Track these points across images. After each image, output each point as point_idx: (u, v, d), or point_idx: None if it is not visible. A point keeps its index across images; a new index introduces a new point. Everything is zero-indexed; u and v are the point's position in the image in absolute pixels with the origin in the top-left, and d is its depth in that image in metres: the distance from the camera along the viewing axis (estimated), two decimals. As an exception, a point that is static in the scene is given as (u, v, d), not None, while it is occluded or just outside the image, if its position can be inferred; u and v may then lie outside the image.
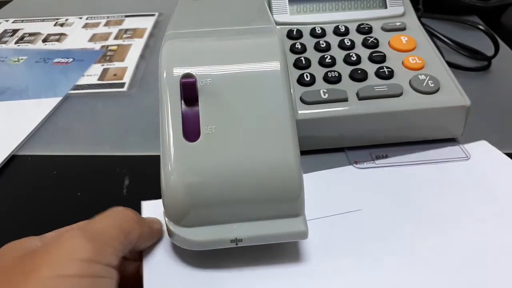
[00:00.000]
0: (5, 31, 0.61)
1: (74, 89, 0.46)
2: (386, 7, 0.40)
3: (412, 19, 0.40)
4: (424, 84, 0.33)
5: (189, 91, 0.22)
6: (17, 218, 0.31)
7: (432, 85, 0.33)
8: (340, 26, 0.38)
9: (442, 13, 0.41)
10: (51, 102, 0.43)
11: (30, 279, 0.16)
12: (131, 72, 0.49)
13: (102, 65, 0.50)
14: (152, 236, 0.23)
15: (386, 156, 0.32)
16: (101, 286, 0.17)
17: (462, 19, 0.46)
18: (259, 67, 0.23)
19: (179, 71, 0.23)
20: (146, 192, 0.32)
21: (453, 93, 0.33)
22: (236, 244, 0.22)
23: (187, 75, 0.23)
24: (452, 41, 0.46)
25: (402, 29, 0.39)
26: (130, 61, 0.51)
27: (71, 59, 0.52)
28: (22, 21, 0.64)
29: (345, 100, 0.32)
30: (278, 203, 0.22)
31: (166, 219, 0.22)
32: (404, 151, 0.33)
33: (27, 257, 0.18)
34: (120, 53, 0.53)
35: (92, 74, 0.48)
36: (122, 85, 0.46)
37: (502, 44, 0.47)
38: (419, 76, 0.33)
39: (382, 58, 0.35)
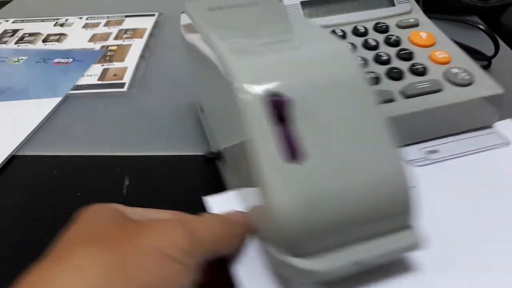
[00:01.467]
0: (5, 31, 0.61)
1: (74, 89, 0.46)
2: (394, 5, 0.40)
3: (420, 15, 0.40)
4: (459, 77, 0.33)
5: (278, 109, 0.20)
6: (17, 218, 0.31)
7: (467, 77, 0.33)
8: (358, 27, 0.38)
9: (442, 13, 0.41)
10: (51, 102, 0.43)
11: (135, 244, 0.18)
12: (131, 72, 0.49)
13: (102, 65, 0.50)
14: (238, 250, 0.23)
15: (437, 151, 0.32)
16: (188, 275, 0.18)
17: (462, 19, 0.46)
18: (341, 75, 0.22)
19: (261, 89, 0.21)
20: (146, 192, 0.32)
21: (486, 82, 0.33)
22: (358, 267, 0.20)
23: (273, 93, 0.21)
24: (452, 41, 0.46)
25: (416, 25, 0.39)
26: (130, 61, 0.51)
27: (71, 59, 0.52)
28: (22, 21, 0.64)
29: (392, 100, 0.32)
30: (390, 217, 0.21)
31: (276, 252, 0.20)
32: (449, 143, 0.33)
33: (129, 223, 0.19)
34: (120, 53, 0.53)
35: (92, 74, 0.48)
36: (122, 85, 0.46)
37: (502, 44, 0.47)
38: (452, 69, 0.34)
39: (409, 55, 0.35)
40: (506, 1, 0.54)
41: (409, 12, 0.40)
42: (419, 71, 0.34)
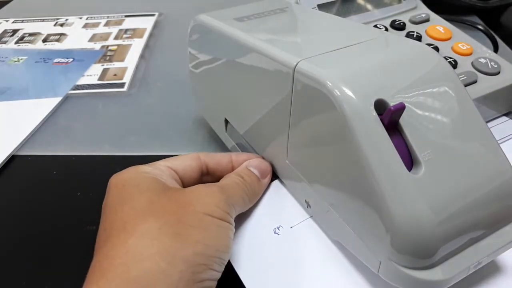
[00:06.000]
0: (5, 31, 0.61)
1: (74, 89, 0.46)
2: (400, 2, 0.40)
3: (427, 10, 0.40)
4: (489, 67, 0.33)
5: (393, 117, 0.19)
6: (17, 218, 0.31)
7: (496, 66, 0.33)
8: (378, 25, 0.38)
9: (442, 13, 0.41)
10: (51, 102, 0.43)
11: (188, 211, 0.21)
12: (131, 72, 0.49)
13: (102, 65, 0.50)
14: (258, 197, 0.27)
15: None
16: (228, 229, 0.22)
17: (462, 19, 0.46)
18: (437, 76, 0.21)
19: (367, 97, 0.20)
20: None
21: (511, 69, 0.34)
22: (475, 268, 0.20)
23: (381, 100, 0.20)
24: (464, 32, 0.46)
25: (427, 20, 0.39)
26: (130, 61, 0.51)
27: (71, 59, 0.52)
28: (22, 21, 0.64)
29: None
30: (505, 212, 0.20)
31: (402, 269, 0.19)
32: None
33: (176, 193, 0.22)
34: (120, 53, 0.53)
35: (92, 74, 0.49)
36: (122, 85, 0.46)
37: (502, 44, 0.47)
38: (480, 60, 0.34)
39: (436, 50, 0.35)
40: (506, 1, 0.54)
41: (415, 8, 0.40)
42: (452, 65, 0.34)
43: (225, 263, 0.21)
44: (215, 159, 0.27)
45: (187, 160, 0.26)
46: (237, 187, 0.25)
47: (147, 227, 0.20)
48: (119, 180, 0.23)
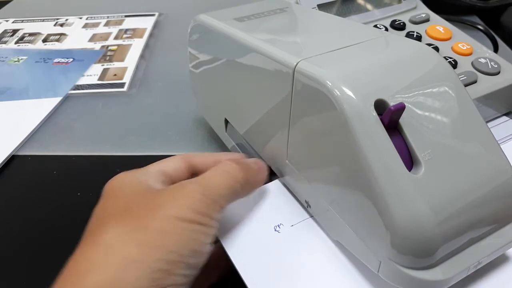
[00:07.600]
0: (5, 31, 0.61)
1: (74, 89, 0.46)
2: (400, 2, 0.40)
3: (427, 10, 0.40)
4: (489, 67, 0.33)
5: (393, 117, 0.19)
6: (17, 218, 0.31)
7: (496, 66, 0.33)
8: (378, 25, 0.38)
9: (442, 13, 0.41)
10: (51, 102, 0.43)
11: (156, 215, 0.20)
12: (131, 72, 0.49)
13: (102, 65, 0.50)
14: (255, 189, 0.25)
15: None
16: (206, 232, 0.21)
17: (462, 19, 0.46)
18: (436, 76, 0.21)
19: (367, 97, 0.19)
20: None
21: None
22: (475, 268, 0.20)
23: (381, 100, 0.20)
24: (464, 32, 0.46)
25: (427, 20, 0.39)
26: (130, 61, 0.51)
27: (71, 59, 0.52)
28: (22, 21, 0.64)
29: None
30: (505, 211, 0.20)
31: (402, 269, 0.19)
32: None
33: (152, 195, 0.21)
34: (120, 53, 0.53)
35: (92, 74, 0.49)
36: (122, 85, 0.46)
37: (502, 44, 0.47)
38: (480, 60, 0.34)
39: (436, 50, 0.35)
40: (506, 1, 0.54)
41: (415, 8, 0.40)
42: (452, 65, 0.34)
43: (197, 267, 0.20)
44: (201, 159, 0.26)
45: (177, 162, 0.25)
46: (224, 175, 0.23)
47: (109, 235, 0.19)
48: (109, 188, 0.23)
